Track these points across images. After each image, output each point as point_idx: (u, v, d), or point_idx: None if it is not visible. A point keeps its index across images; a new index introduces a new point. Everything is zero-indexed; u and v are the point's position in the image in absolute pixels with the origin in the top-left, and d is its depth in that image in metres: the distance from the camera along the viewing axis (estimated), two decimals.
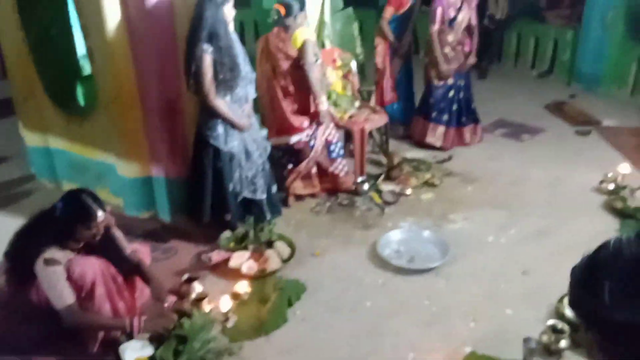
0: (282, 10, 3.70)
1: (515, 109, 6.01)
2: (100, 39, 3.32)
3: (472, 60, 4.95)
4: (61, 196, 2.53)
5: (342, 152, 4.13)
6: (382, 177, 4.42)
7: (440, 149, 4.98)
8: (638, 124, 5.55)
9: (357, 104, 4.53)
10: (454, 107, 4.97)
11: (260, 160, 3.53)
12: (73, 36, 4.19)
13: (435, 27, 4.74)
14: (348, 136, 4.71)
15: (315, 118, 3.92)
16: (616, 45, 6.27)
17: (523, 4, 7.29)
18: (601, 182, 4.21)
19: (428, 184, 4.35)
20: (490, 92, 6.41)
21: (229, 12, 3.19)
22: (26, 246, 2.44)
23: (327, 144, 4.02)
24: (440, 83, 4.90)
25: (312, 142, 3.96)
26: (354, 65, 4.55)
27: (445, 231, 3.74)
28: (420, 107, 5.15)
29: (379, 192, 4.18)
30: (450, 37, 4.77)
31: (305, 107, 3.92)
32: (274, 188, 3.73)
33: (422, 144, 5.05)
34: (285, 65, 3.77)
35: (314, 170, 4.05)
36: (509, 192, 4.27)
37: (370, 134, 4.66)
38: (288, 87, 3.84)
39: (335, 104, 4.33)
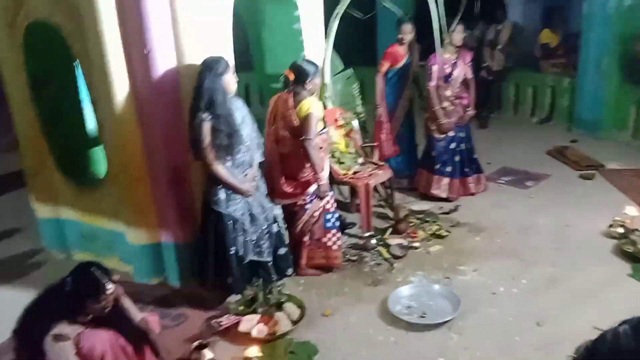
0: (292, 77, 3.59)
1: (518, 156, 6.07)
2: (109, 111, 3.43)
3: (471, 112, 5.06)
4: (70, 271, 2.54)
5: (337, 223, 3.91)
6: (389, 231, 4.43)
7: (446, 199, 5.01)
8: None
9: (360, 160, 4.61)
10: (457, 158, 5.03)
11: (266, 224, 3.54)
12: (83, 109, 4.32)
13: (433, 83, 4.88)
14: (353, 192, 4.75)
15: (305, 189, 3.76)
16: (613, 89, 6.38)
17: (518, 55, 7.47)
18: (610, 225, 4.19)
19: (436, 236, 4.35)
20: (491, 141, 6.50)
21: (229, 81, 3.28)
22: (35, 323, 2.44)
23: (324, 211, 3.83)
24: (442, 136, 4.99)
25: (307, 206, 3.78)
26: (355, 123, 4.66)
27: (455, 283, 3.71)
28: (423, 160, 5.22)
29: (387, 246, 4.17)
30: (448, 92, 4.90)
31: (297, 175, 3.75)
32: (282, 250, 3.71)
33: (427, 196, 5.08)
34: (284, 132, 3.66)
35: (306, 238, 3.86)
36: (517, 240, 4.25)
37: (375, 188, 4.69)
38: (285, 152, 3.72)
39: (339, 162, 4.41)
